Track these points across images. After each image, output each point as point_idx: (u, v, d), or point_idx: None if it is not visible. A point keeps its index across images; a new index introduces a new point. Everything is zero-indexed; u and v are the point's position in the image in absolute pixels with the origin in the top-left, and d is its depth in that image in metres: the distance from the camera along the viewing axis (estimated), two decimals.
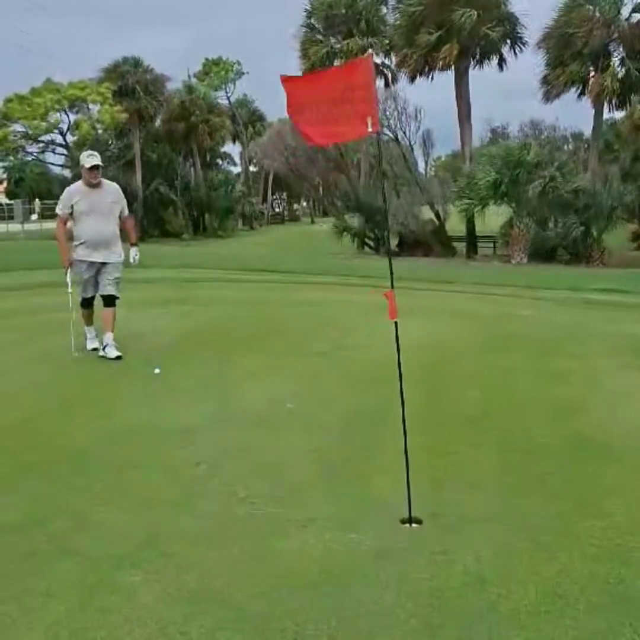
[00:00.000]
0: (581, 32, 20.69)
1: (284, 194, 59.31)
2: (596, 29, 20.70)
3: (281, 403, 4.25)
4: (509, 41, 23.72)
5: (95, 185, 5.51)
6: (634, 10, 21.22)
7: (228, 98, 47.81)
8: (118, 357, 5.45)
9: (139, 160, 33.92)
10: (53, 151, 33.27)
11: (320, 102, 2.57)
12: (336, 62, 27.75)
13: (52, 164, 37.27)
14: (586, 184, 20.50)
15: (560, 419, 3.99)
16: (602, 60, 21.35)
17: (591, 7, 20.99)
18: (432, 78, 23.95)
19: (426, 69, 23.57)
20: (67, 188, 5.74)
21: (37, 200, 42.26)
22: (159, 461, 3.35)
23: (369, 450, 3.46)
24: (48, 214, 43.20)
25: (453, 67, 23.05)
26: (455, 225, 24.50)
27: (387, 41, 26.10)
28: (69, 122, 31.57)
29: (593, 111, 22.62)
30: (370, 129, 2.55)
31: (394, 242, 23.64)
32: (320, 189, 29.66)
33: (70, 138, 31.84)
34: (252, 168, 50.59)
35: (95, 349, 5.72)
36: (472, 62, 23.62)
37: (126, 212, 5.78)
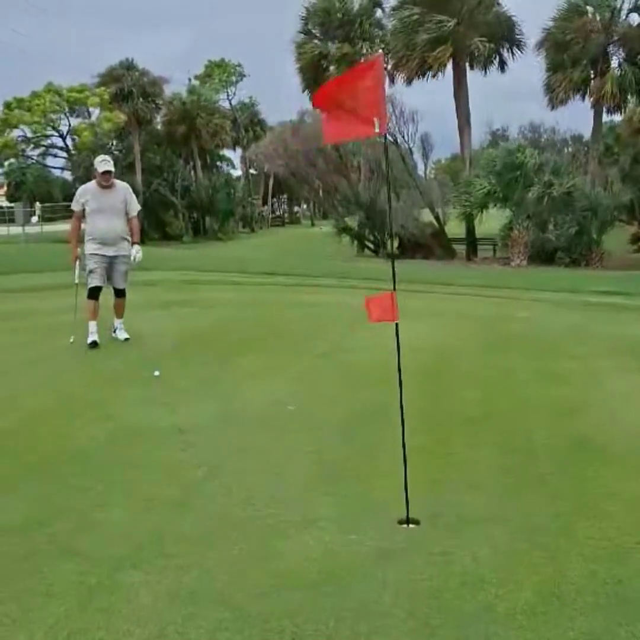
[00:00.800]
0: (580, 37, 20.78)
1: (284, 196, 59.42)
2: (594, 33, 20.79)
3: (281, 404, 4.26)
4: (507, 44, 23.83)
5: (107, 187, 5.96)
6: (631, 11, 21.29)
7: (229, 101, 47.97)
8: (126, 339, 6.12)
9: (139, 163, 34.00)
10: (53, 155, 33.37)
11: (336, 104, 2.60)
12: (332, 68, 27.90)
13: (53, 167, 37.42)
14: (585, 187, 20.54)
15: (559, 420, 4.00)
16: (601, 64, 21.42)
17: (590, 9, 21.07)
18: (427, 79, 24.09)
19: (423, 71, 23.68)
20: (82, 186, 6.25)
21: (37, 203, 42.30)
22: (159, 462, 3.36)
23: (369, 451, 3.47)
24: (48, 217, 43.30)
25: (452, 70, 23.17)
26: (455, 228, 24.54)
27: (383, 45, 26.22)
28: (69, 125, 31.67)
29: (592, 114, 22.69)
30: (377, 130, 2.56)
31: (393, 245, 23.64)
32: (321, 191, 29.69)
33: (70, 142, 31.94)
34: (252, 171, 50.68)
35: (94, 343, 5.94)
36: (470, 66, 23.73)
37: (135, 212, 6.14)
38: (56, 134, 31.95)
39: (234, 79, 47.60)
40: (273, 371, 5.14)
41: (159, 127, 37.64)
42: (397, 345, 2.84)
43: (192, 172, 39.20)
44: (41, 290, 9.81)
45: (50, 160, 35.65)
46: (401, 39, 23.41)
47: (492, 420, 3.98)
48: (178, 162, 37.64)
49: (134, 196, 6.23)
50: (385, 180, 22.53)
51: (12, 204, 40.44)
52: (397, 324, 2.83)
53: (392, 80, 28.08)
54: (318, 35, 27.97)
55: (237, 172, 53.16)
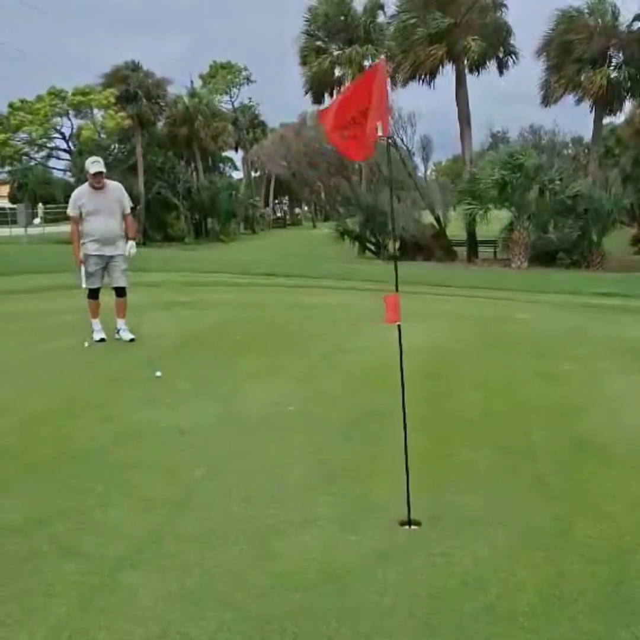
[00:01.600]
0: (580, 40, 20.83)
1: (286, 198, 59.46)
2: (595, 36, 20.84)
3: (282, 405, 4.26)
4: (502, 49, 23.93)
5: (99, 188, 6.02)
6: (635, 19, 21.34)
7: (232, 103, 48.07)
8: (132, 340, 6.13)
9: (141, 165, 34.04)
10: (57, 157, 33.44)
11: (346, 115, 2.63)
12: (336, 70, 27.98)
13: (56, 169, 37.47)
14: (585, 189, 20.55)
15: (559, 421, 4.00)
16: (599, 65, 21.47)
17: (590, 15, 21.13)
18: (427, 83, 24.12)
19: (418, 71, 23.71)
20: (75, 190, 6.31)
21: (40, 205, 42.37)
22: (160, 462, 3.37)
23: (369, 452, 3.47)
24: (51, 218, 43.35)
25: (452, 73, 23.22)
26: (455, 230, 24.54)
27: (385, 49, 26.29)
28: (72, 127, 31.74)
29: (593, 116, 22.71)
30: (380, 134, 2.58)
31: (394, 247, 23.65)
32: (322, 193, 29.73)
33: (72, 144, 32.01)
34: (253, 173, 50.73)
35: (102, 340, 6.11)
36: (469, 69, 23.78)
37: (128, 209, 6.28)
38: (59, 136, 32.04)
39: (238, 80, 47.71)
40: (274, 372, 5.15)
41: (161, 129, 37.69)
42: (399, 347, 2.85)
43: (194, 174, 39.24)
44: (43, 291, 9.82)
45: (53, 162, 35.74)
46: (399, 42, 23.54)
47: (492, 421, 3.98)
48: (180, 163, 37.68)
49: (126, 194, 6.34)
50: (386, 182, 22.56)
51: (15, 205, 40.52)
52: (399, 326, 2.84)
53: (393, 84, 28.21)
54: (321, 37, 28.02)
55: (238, 174, 53.31)
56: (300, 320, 7.44)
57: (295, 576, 2.34)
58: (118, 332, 6.26)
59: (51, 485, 3.08)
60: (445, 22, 21.81)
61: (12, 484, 3.12)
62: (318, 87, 28.27)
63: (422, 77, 23.90)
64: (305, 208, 62.04)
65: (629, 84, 21.50)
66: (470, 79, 23.83)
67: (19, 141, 30.84)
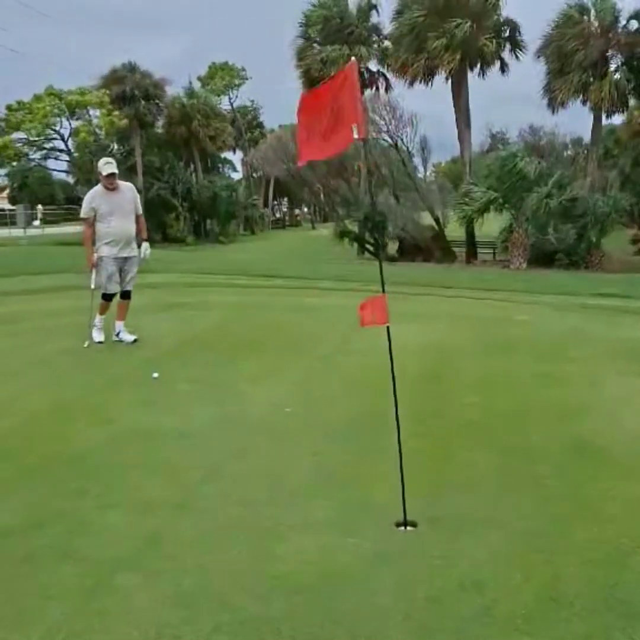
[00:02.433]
0: (579, 43, 20.83)
1: (285, 199, 59.46)
2: (594, 39, 20.84)
3: (281, 407, 4.26)
4: (509, 45, 23.86)
5: (113, 189, 5.99)
6: (631, 18, 21.35)
7: (231, 103, 48.10)
8: (135, 341, 6.11)
9: (140, 166, 34.04)
10: (55, 158, 33.44)
11: (315, 118, 2.62)
12: (333, 71, 27.93)
13: (55, 170, 37.48)
14: (584, 192, 20.56)
15: (558, 423, 4.00)
16: (600, 68, 21.47)
17: (588, 17, 21.13)
18: (431, 85, 24.08)
19: (427, 75, 23.69)
20: (88, 192, 6.18)
21: (39, 206, 42.36)
22: (158, 464, 3.36)
23: (369, 454, 3.47)
24: (51, 219, 43.33)
25: (452, 74, 23.15)
26: (454, 231, 24.55)
27: (381, 48, 26.30)
28: (71, 128, 31.76)
29: (592, 117, 22.73)
30: (356, 136, 2.55)
31: (394, 248, 23.68)
32: (321, 194, 29.73)
33: (71, 144, 32.03)
34: (253, 174, 50.75)
35: (101, 342, 6.09)
36: (473, 71, 23.74)
37: (140, 210, 6.28)
38: (57, 137, 32.06)
39: (236, 81, 47.75)
40: (273, 374, 5.14)
41: (160, 129, 37.70)
42: (389, 348, 2.84)
43: (193, 175, 39.25)
44: (42, 292, 9.82)
45: (52, 163, 35.77)
46: (405, 43, 23.32)
47: (491, 423, 3.98)
48: (179, 164, 37.67)
49: (137, 195, 6.31)
50: (385, 183, 22.57)
51: (14, 207, 40.52)
52: (388, 327, 2.83)
53: (387, 86, 28.20)
54: (317, 39, 28.04)
55: (237, 175, 53.34)
56: (299, 321, 7.44)
57: (293, 578, 2.34)
58: (117, 334, 6.22)
59: (49, 486, 3.08)
60: (466, 26, 21.32)
61: (10, 485, 3.11)
62: (311, 87, 28.19)
63: (425, 78, 23.86)
64: (305, 209, 62.06)
65: (630, 86, 21.48)
66: (469, 79, 23.82)
67: (18, 143, 30.85)
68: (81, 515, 2.81)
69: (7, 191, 49.45)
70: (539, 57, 22.68)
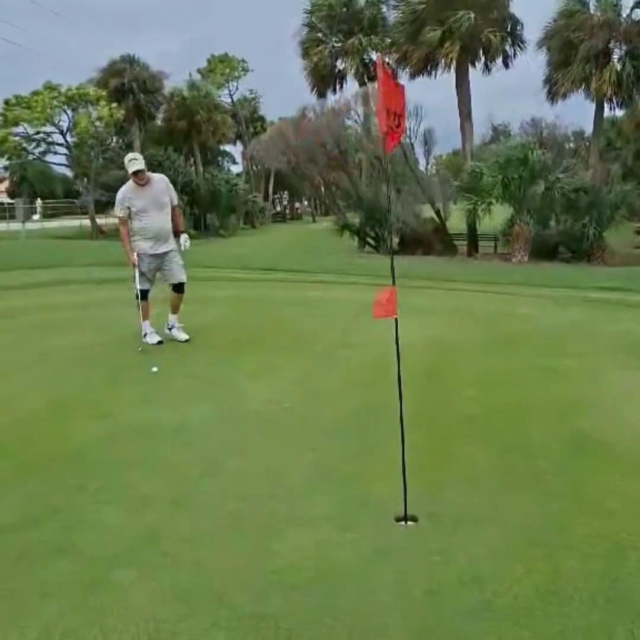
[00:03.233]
0: (582, 34, 20.67)
1: (286, 192, 59.30)
2: (596, 30, 20.68)
3: (280, 402, 4.25)
4: (510, 40, 23.68)
5: (144, 184, 5.78)
6: (634, 7, 21.17)
7: (231, 96, 47.85)
8: (187, 340, 6.02)
9: None
10: (54, 152, 33.33)
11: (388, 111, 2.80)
12: (338, 62, 27.78)
13: (54, 163, 37.31)
14: (588, 183, 20.44)
15: (559, 417, 3.98)
16: (602, 59, 21.32)
17: (591, 8, 20.96)
18: (435, 76, 23.91)
19: (428, 67, 23.52)
20: (120, 190, 5.94)
21: (39, 200, 42.30)
22: (156, 460, 3.35)
23: (368, 450, 3.45)
24: (50, 213, 43.25)
25: (454, 66, 22.98)
26: (456, 224, 24.47)
27: (389, 40, 26.04)
28: (69, 121, 31.64)
29: (594, 108, 22.60)
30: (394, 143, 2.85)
31: (394, 241, 23.60)
32: (322, 187, 29.64)
33: (70, 138, 31.93)
34: (253, 167, 50.57)
35: (160, 342, 5.94)
36: (477, 65, 23.56)
37: (176, 201, 6.04)
38: (56, 130, 31.95)
39: (237, 74, 47.45)
40: (272, 369, 5.12)
41: (159, 122, 37.57)
42: (396, 342, 2.82)
43: (193, 168, 39.13)
44: (40, 286, 9.80)
45: (51, 157, 35.63)
46: (406, 32, 23.10)
47: (491, 418, 3.97)
48: (179, 158, 37.55)
49: (171, 186, 6.07)
50: (386, 175, 22.43)
51: (13, 200, 40.47)
52: (396, 320, 2.81)
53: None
54: (322, 29, 27.80)
55: (238, 168, 53.16)
56: (299, 316, 7.42)
57: (291, 574, 2.33)
58: (171, 329, 6.14)
59: (46, 483, 3.07)
60: (470, 16, 21.16)
61: (7, 482, 3.10)
62: (320, 80, 28.08)
63: (427, 69, 23.69)
64: (305, 202, 61.89)
65: (634, 78, 21.32)
66: (471, 71, 23.66)
67: (16, 136, 30.77)
68: (78, 511, 2.80)
69: (6, 185, 49.36)
70: (540, 47, 22.55)
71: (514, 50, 23.91)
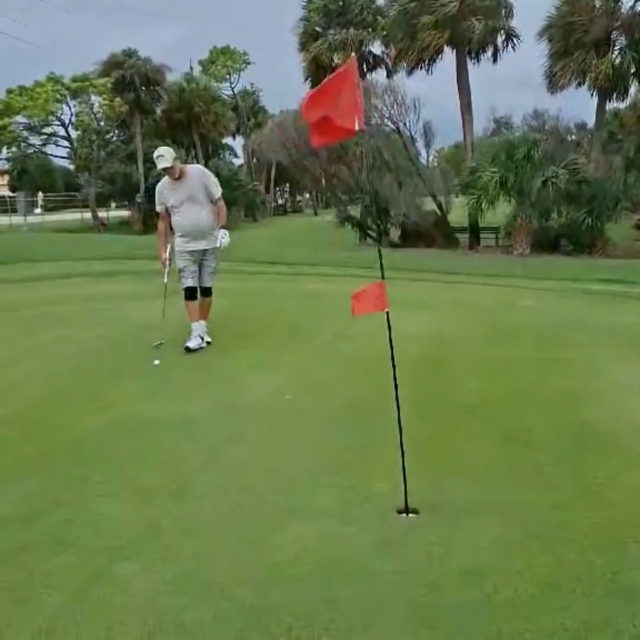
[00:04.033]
0: (583, 21, 20.52)
1: (287, 185, 59.13)
2: (597, 18, 20.52)
3: (281, 394, 4.25)
4: (503, 33, 23.52)
5: (179, 179, 5.49)
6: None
7: (232, 89, 47.62)
8: (208, 343, 5.61)
9: (140, 152, 33.84)
10: (55, 143, 33.25)
11: (320, 112, 2.82)
12: (336, 55, 27.63)
13: (55, 156, 37.25)
14: (590, 176, 20.33)
15: (560, 409, 3.97)
16: (604, 49, 21.17)
17: None
18: (431, 71, 23.78)
19: (424, 61, 23.38)
20: (158, 185, 5.73)
21: (40, 193, 42.23)
22: (157, 452, 3.35)
23: (369, 442, 3.45)
24: (51, 206, 43.17)
25: (453, 58, 22.85)
26: (457, 216, 24.38)
27: (385, 32, 25.92)
28: (71, 114, 31.57)
29: (596, 101, 22.45)
30: (357, 128, 2.77)
31: (396, 234, 23.55)
32: (323, 180, 29.53)
33: (72, 131, 31.86)
34: (254, 160, 50.39)
35: (209, 343, 5.68)
36: (468, 54, 23.36)
37: (217, 193, 5.63)
38: (58, 122, 31.87)
39: (238, 65, 47.18)
40: (273, 361, 5.12)
41: (159, 115, 37.41)
42: (388, 334, 2.80)
43: (194, 161, 39.01)
44: (42, 280, 9.80)
45: (52, 150, 35.61)
46: (401, 28, 23.08)
47: (493, 410, 3.96)
48: (180, 150, 37.42)
49: (211, 177, 5.67)
50: (387, 169, 22.36)
51: (14, 194, 40.41)
52: (388, 313, 2.80)
53: (389, 72, 27.87)
54: (319, 22, 27.67)
55: (238, 161, 52.98)
56: (301, 308, 7.41)
57: (292, 566, 2.33)
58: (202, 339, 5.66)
59: (47, 476, 3.08)
60: (454, 4, 21.21)
61: (8, 474, 3.11)
62: (316, 73, 27.97)
63: (424, 63, 23.56)
64: (307, 195, 61.70)
65: (633, 69, 21.19)
66: (471, 64, 23.49)
67: (18, 126, 30.71)
68: (80, 504, 2.81)
69: (7, 178, 49.27)
70: (541, 37, 22.37)
71: (507, 43, 23.71)
